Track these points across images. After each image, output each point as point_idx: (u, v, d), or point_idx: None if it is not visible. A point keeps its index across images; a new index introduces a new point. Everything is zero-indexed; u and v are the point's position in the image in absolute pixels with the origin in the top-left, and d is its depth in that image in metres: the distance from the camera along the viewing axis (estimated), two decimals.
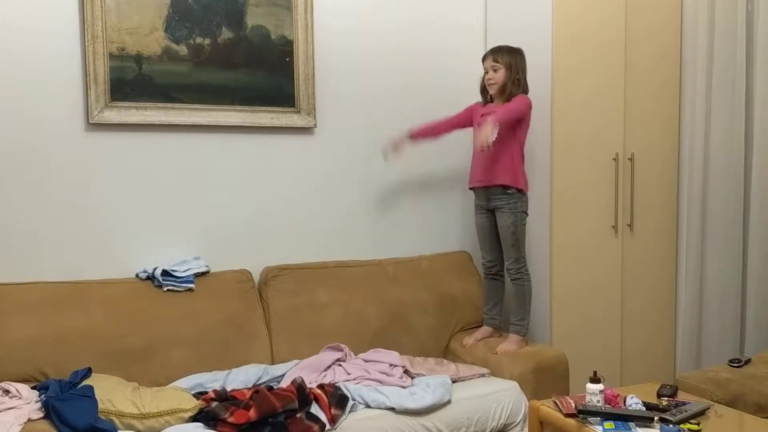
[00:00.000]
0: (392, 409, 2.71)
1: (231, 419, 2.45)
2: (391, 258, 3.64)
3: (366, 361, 3.08)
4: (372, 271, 3.50)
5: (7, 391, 2.47)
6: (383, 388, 2.81)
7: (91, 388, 2.48)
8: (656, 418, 2.44)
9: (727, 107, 3.76)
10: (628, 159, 3.73)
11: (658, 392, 2.73)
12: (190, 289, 3.08)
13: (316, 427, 2.53)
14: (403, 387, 2.86)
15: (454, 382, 2.97)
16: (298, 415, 2.55)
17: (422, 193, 3.87)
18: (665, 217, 3.92)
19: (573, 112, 3.55)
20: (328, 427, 2.56)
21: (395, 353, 3.14)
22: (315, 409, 2.61)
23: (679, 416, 2.42)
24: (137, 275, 3.11)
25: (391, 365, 3.03)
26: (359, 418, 2.66)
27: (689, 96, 3.82)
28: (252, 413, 2.47)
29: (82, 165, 3.07)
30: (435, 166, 3.89)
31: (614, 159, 3.69)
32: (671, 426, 2.33)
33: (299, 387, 2.64)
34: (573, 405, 2.52)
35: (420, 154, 3.81)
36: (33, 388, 2.56)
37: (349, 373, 2.94)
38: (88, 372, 2.66)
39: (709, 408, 2.55)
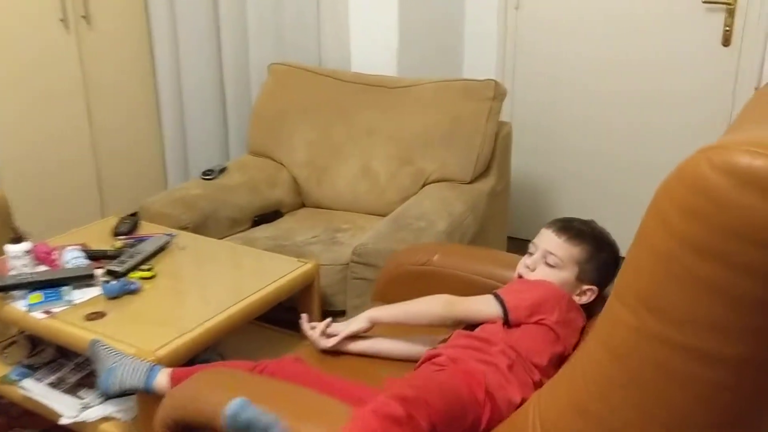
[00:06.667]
0: None
1: None
2: None
3: None
4: None
5: None
6: None
7: None
8: (102, 271, 1.96)
9: None
10: None
11: (114, 230, 2.24)
12: None
13: None
14: None
15: None
16: None
17: None
18: (130, 6, 3.24)
19: None
20: None
21: None
22: None
23: (130, 262, 1.97)
24: None
25: None
26: None
27: None
28: None
29: None
30: None
31: None
32: (115, 282, 1.87)
33: None
34: None
35: None
36: None
37: None
38: None
39: (170, 241, 2.16)
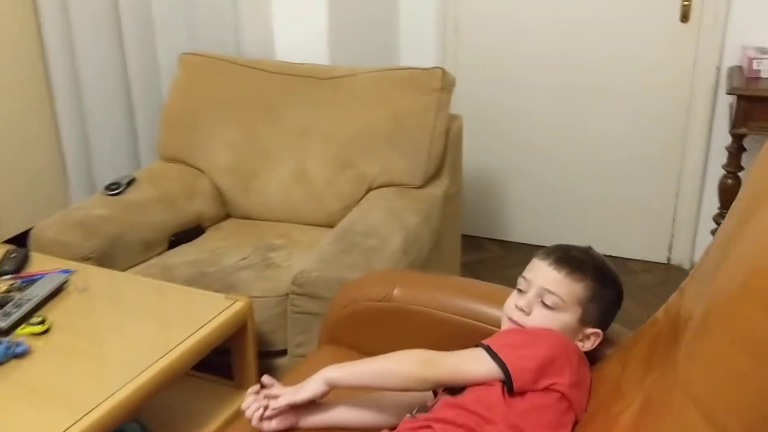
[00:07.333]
0: None
1: None
2: None
3: None
4: None
5: None
6: None
7: None
8: None
9: None
10: None
11: None
12: None
13: None
14: None
15: None
16: None
17: None
18: None
19: None
20: None
21: None
22: None
23: (16, 314, 1.58)
24: None
25: None
26: None
27: None
28: None
29: None
30: None
31: None
32: None
33: None
34: None
35: None
36: None
37: None
38: None
39: (67, 280, 1.78)
